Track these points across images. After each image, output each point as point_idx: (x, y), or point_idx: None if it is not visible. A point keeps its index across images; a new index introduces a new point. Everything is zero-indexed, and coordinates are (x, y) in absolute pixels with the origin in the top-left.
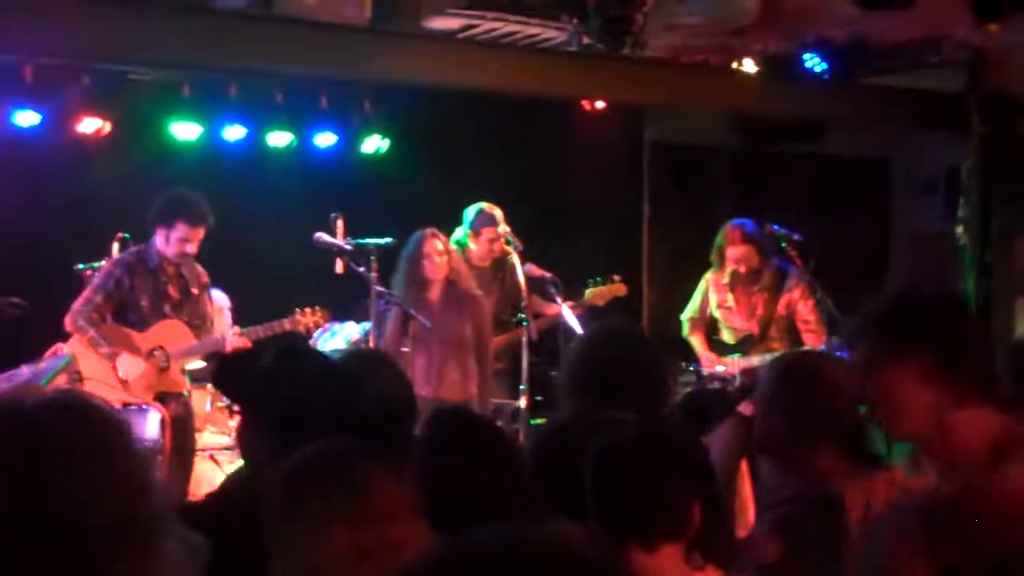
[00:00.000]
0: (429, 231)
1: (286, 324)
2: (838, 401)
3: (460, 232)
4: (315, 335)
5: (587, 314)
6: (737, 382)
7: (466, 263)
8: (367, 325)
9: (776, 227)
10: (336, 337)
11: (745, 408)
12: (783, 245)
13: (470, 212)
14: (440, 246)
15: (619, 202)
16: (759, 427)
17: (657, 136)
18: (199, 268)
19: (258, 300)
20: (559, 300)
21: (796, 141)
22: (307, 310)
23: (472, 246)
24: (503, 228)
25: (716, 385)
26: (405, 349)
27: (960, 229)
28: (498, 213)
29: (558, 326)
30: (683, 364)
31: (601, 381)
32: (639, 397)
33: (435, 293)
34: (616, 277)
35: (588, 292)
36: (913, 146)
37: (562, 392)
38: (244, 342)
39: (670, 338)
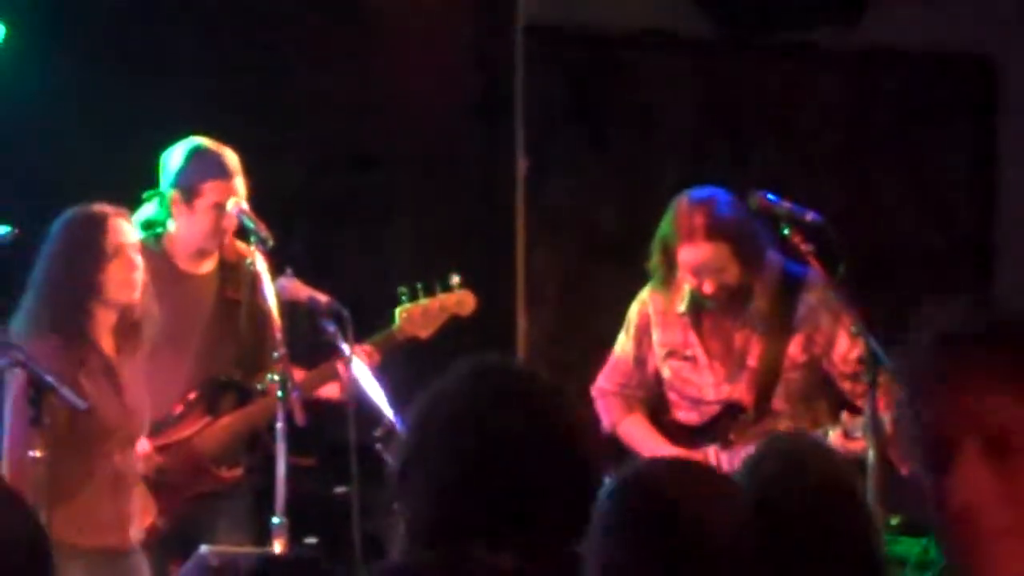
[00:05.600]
0: (110, 209)
1: None
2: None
3: (150, 207)
4: None
5: (399, 358)
6: None
7: (167, 266)
8: None
9: (773, 198)
10: None
11: None
12: (785, 231)
13: (173, 157)
14: (132, 239)
15: (468, 147)
16: None
17: (541, 16)
18: None
19: None
20: (345, 346)
21: (811, 25)
22: None
23: (181, 225)
24: (241, 194)
25: None
26: (36, 454)
27: None
28: (232, 158)
29: (343, 402)
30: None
31: (489, 485)
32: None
33: (107, 336)
34: (454, 280)
35: (400, 313)
36: None
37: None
38: None
39: None
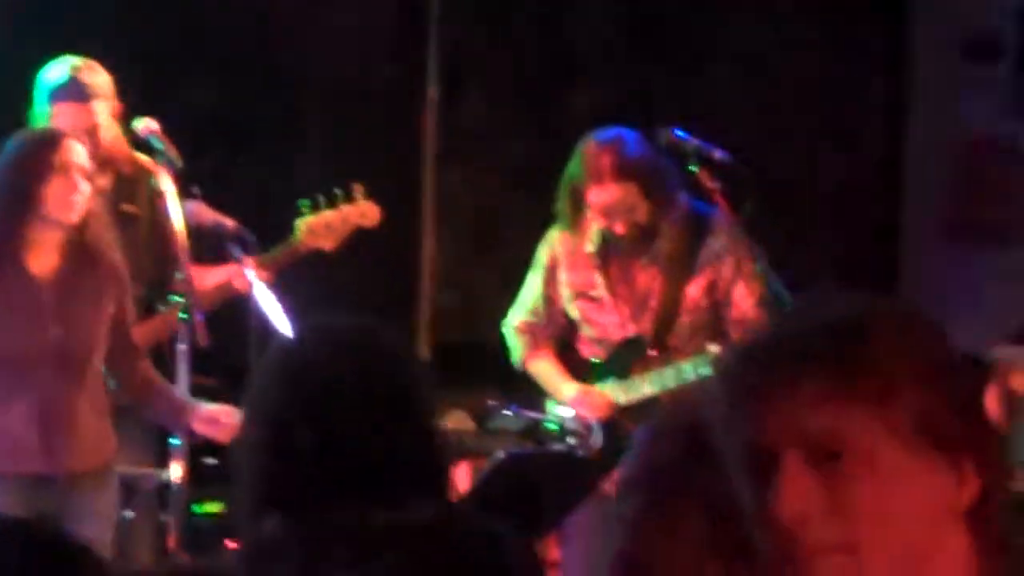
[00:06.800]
0: (67, 132)
1: None
2: None
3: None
4: None
5: (305, 277)
6: (599, 438)
7: None
8: None
9: (681, 134)
10: None
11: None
12: (693, 168)
13: (42, 76)
14: (82, 162)
15: (382, 71)
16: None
17: None
18: None
19: None
20: (250, 271)
21: None
22: None
23: None
24: (101, 121)
25: (562, 442)
26: None
27: None
28: (94, 80)
29: (248, 312)
30: (492, 402)
31: (306, 456)
32: (389, 479)
33: (48, 254)
34: (356, 188)
35: (300, 226)
36: None
37: (237, 481)
38: None
39: (481, 344)
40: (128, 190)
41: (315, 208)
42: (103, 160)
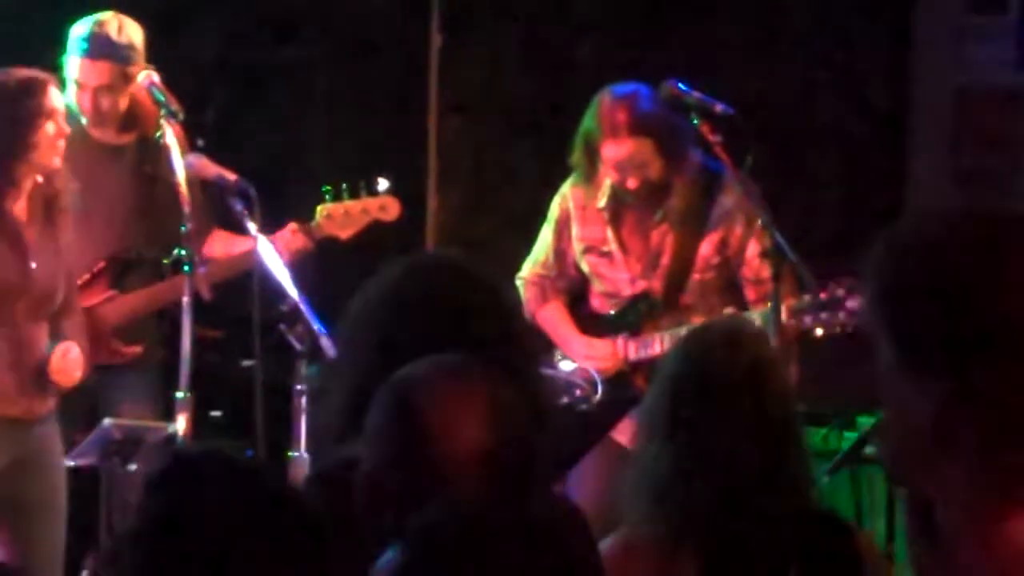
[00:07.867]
0: (45, 75)
1: None
2: None
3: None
4: None
5: (316, 255)
6: (598, 393)
7: (81, 134)
8: None
9: (683, 87)
10: None
11: (623, 432)
12: (695, 121)
13: (79, 28)
14: (62, 107)
15: (385, 20)
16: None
17: None
18: None
19: None
20: (252, 227)
21: None
22: None
23: (80, 101)
24: (99, 79)
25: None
26: None
27: None
28: (134, 30)
29: (250, 277)
30: None
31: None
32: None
33: (21, 200)
34: (380, 183)
35: (320, 211)
36: None
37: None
38: None
39: None
40: (152, 151)
41: (337, 196)
42: (129, 119)
